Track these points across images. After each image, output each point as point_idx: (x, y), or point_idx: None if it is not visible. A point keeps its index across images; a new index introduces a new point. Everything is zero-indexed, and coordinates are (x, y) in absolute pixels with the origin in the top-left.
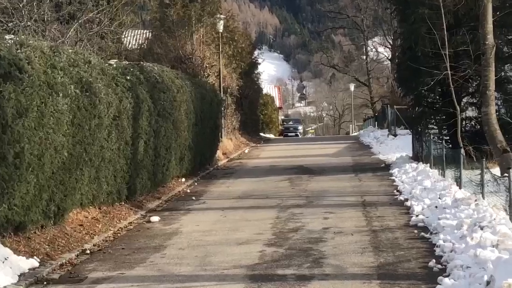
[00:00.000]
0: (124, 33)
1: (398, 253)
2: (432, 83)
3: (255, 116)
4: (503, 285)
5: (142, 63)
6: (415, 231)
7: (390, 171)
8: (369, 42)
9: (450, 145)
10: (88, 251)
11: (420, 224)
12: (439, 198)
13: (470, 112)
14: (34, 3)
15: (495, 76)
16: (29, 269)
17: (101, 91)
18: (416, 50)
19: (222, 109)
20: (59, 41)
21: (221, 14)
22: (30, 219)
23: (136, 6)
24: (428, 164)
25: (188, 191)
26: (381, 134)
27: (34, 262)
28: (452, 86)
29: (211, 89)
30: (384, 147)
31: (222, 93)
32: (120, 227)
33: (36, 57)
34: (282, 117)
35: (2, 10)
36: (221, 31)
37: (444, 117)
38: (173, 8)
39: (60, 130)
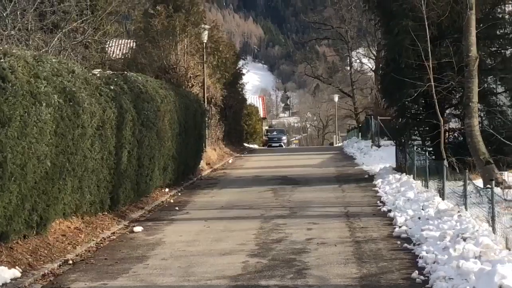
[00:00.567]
0: (108, 42)
1: (381, 264)
2: (415, 94)
3: (239, 127)
4: None
5: (126, 73)
6: (398, 242)
7: (374, 182)
8: (353, 53)
9: (434, 157)
10: (70, 262)
11: (403, 235)
12: (422, 209)
13: (453, 124)
14: (18, 12)
15: (478, 88)
16: (11, 279)
17: (85, 100)
18: (400, 62)
19: (206, 119)
20: (43, 50)
21: (205, 24)
22: (12, 229)
23: (121, 16)
24: (412, 175)
25: (172, 201)
26: (365, 145)
27: (16, 272)
28: (435, 97)
29: (195, 99)
30: (368, 158)
31: (206, 103)
32: (103, 237)
33: (19, 66)
34: (266, 128)
35: None
36: (205, 41)
37: (427, 128)
38: (157, 18)
39: (43, 139)
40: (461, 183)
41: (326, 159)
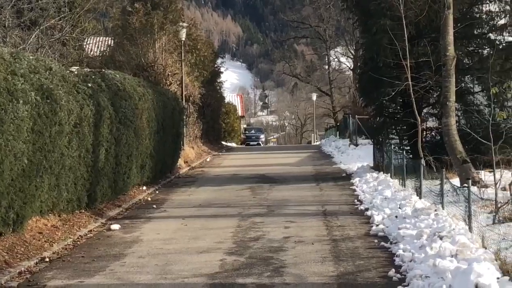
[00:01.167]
0: (86, 40)
1: (358, 263)
2: (393, 93)
3: (217, 125)
4: None
5: (103, 70)
6: (375, 240)
7: (351, 180)
8: (332, 52)
9: (411, 155)
10: (47, 259)
11: (380, 234)
12: (399, 208)
13: (431, 123)
14: None
15: (456, 87)
16: None
17: (62, 98)
18: (377, 61)
19: (184, 117)
20: (20, 47)
21: (183, 22)
22: None
23: (98, 13)
24: (389, 174)
25: (149, 199)
26: (343, 143)
27: None
28: (413, 96)
29: (173, 97)
30: (346, 156)
31: (184, 101)
32: (80, 235)
33: None
34: (245, 126)
35: None
36: (183, 39)
37: (405, 127)
38: (135, 16)
39: (20, 137)
40: (438, 182)
41: (304, 157)
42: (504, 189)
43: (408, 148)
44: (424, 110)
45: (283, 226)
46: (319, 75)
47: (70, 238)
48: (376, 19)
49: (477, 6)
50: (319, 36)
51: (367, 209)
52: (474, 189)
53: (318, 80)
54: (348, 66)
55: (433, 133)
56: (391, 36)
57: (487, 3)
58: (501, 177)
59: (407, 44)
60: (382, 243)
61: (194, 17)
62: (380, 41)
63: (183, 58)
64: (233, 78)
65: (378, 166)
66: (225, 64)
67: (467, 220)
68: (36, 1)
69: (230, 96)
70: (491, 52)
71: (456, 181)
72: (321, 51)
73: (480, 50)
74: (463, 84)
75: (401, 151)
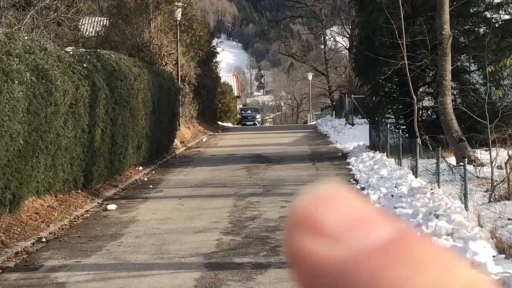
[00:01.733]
0: (81, 20)
1: None
2: (389, 72)
3: (213, 105)
4: None
5: (99, 50)
6: None
7: (347, 160)
8: (327, 31)
9: (407, 135)
10: (44, 239)
11: None
12: (395, 187)
13: (427, 102)
14: None
15: (452, 66)
16: None
17: (57, 78)
18: (373, 40)
19: (180, 97)
20: (15, 27)
21: (179, 1)
22: None
23: None
24: (385, 153)
25: (145, 179)
26: (339, 123)
27: None
28: (409, 75)
29: (169, 78)
30: (342, 136)
31: (180, 81)
32: (76, 215)
33: None
34: (240, 106)
35: None
36: (179, 19)
37: (401, 106)
38: None
39: (15, 117)
40: (434, 161)
41: (300, 137)
42: (500, 167)
43: (404, 127)
44: (420, 89)
45: (279, 205)
46: (315, 55)
47: (66, 218)
48: None
49: None
50: (315, 15)
51: (363, 189)
52: (470, 167)
53: (314, 60)
54: (344, 46)
55: (429, 112)
56: (387, 15)
57: None
58: (497, 155)
59: (403, 23)
60: None
61: None
62: (376, 20)
63: (178, 38)
64: (229, 58)
65: (374, 146)
66: (221, 44)
67: (463, 199)
68: None
69: (226, 76)
70: (487, 31)
71: (452, 159)
72: (317, 30)
73: (476, 29)
74: (459, 63)
75: (397, 130)
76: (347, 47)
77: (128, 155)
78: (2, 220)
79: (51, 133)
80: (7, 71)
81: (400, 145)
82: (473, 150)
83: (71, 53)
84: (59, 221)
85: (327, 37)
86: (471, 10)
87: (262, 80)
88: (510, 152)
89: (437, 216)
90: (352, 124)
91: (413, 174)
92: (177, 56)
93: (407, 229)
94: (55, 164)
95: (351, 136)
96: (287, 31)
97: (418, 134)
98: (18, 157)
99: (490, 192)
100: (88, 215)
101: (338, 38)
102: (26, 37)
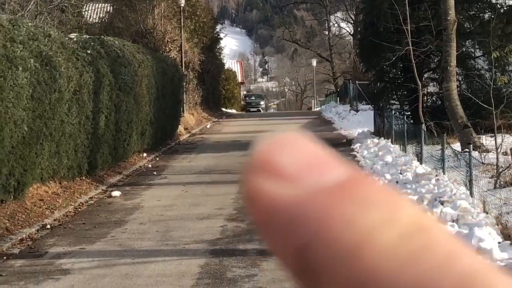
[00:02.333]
0: (84, 6)
1: None
2: (394, 58)
3: (217, 91)
4: None
5: (103, 37)
6: None
7: (352, 146)
8: (332, 17)
9: (412, 121)
10: (48, 226)
11: None
12: (400, 173)
13: (432, 88)
14: None
15: (457, 51)
16: None
17: (61, 65)
18: (378, 26)
19: (184, 84)
20: (19, 14)
21: None
22: None
23: None
24: (390, 140)
25: (150, 166)
26: (343, 109)
27: None
28: (413, 61)
29: (173, 64)
30: (346, 122)
31: (183, 68)
32: (81, 202)
33: None
34: (244, 92)
35: None
36: (182, 5)
37: (405, 92)
38: None
39: (19, 104)
40: (439, 147)
41: (304, 123)
42: (505, 153)
43: (409, 113)
44: (425, 75)
45: None
46: (319, 41)
47: (71, 205)
48: None
49: None
50: (319, 1)
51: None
52: (475, 154)
53: (318, 46)
54: (348, 32)
55: (434, 98)
56: (391, 1)
57: None
58: (502, 141)
59: (407, 8)
60: None
61: None
62: (380, 5)
63: (182, 24)
64: (232, 45)
65: (379, 132)
66: (225, 30)
67: (468, 185)
68: None
69: (230, 63)
70: (492, 16)
71: (457, 146)
72: (321, 16)
73: (481, 14)
74: (464, 49)
75: (401, 117)
76: (351, 33)
77: (132, 142)
78: (7, 207)
79: (55, 119)
80: (11, 57)
81: (405, 131)
82: (478, 136)
83: (75, 39)
84: (63, 208)
85: (331, 23)
86: None
87: (266, 67)
88: None
89: (442, 203)
90: (357, 111)
91: (418, 160)
92: (181, 43)
93: (359, 172)
94: (59, 150)
95: (355, 122)
96: (291, 17)
97: (423, 120)
98: (22, 143)
99: (495, 178)
100: (92, 201)
101: (342, 24)
102: (30, 24)
